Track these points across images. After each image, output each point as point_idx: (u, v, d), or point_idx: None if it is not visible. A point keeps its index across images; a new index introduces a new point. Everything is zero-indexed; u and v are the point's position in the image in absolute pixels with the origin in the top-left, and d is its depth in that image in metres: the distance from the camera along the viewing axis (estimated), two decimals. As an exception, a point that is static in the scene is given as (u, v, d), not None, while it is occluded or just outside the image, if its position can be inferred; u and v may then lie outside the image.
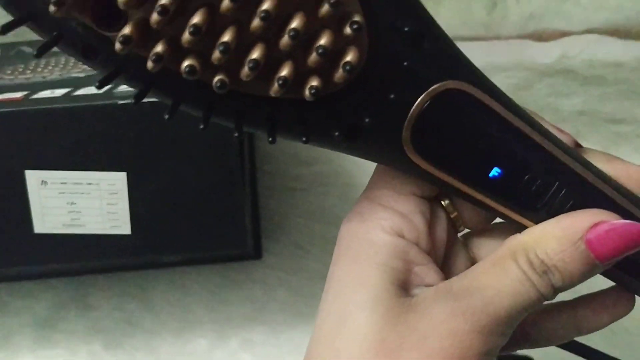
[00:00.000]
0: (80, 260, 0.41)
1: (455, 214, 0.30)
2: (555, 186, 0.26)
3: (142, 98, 0.21)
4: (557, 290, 0.26)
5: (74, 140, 0.38)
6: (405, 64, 0.23)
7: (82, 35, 0.21)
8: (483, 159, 0.25)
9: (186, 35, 0.20)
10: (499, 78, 0.56)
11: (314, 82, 0.22)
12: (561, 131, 0.28)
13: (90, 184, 0.39)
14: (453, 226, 0.30)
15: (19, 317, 0.55)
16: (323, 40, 0.21)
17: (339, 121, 0.23)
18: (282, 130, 0.23)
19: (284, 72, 0.21)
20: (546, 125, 0.27)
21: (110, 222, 0.40)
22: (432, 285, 0.27)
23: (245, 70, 0.21)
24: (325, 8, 0.21)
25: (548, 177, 0.26)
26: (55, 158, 0.38)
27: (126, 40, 0.20)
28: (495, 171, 0.25)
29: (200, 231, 0.40)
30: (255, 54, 0.21)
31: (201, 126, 0.22)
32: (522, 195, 0.26)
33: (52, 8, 0.19)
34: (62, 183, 0.39)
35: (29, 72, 0.43)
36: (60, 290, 0.55)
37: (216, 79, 0.21)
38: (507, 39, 0.55)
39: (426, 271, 0.28)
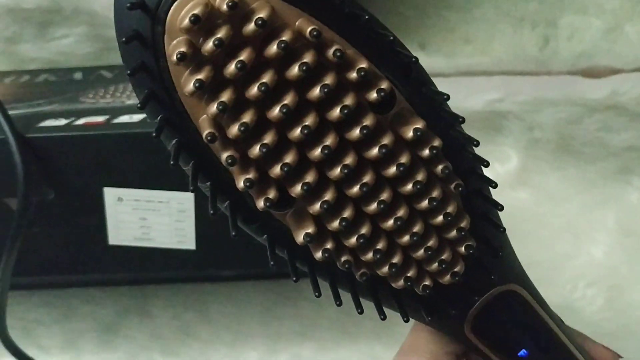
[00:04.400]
0: (147, 271, 0.45)
1: None
2: None
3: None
4: None
5: (150, 162, 0.41)
6: (486, 269, 0.29)
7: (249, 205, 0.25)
8: (519, 342, 0.31)
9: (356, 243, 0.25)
10: (549, 112, 0.57)
11: (427, 282, 0.28)
12: (606, 348, 0.34)
13: (161, 202, 0.42)
14: None
15: (84, 322, 0.58)
16: (445, 256, 0.27)
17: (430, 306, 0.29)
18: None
19: (410, 273, 0.27)
20: (589, 343, 0.34)
21: (177, 238, 0.43)
22: None
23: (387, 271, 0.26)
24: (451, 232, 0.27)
25: None
26: (132, 177, 0.42)
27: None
28: (523, 352, 0.31)
29: (258, 249, 0.43)
30: (396, 259, 0.26)
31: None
32: None
33: (259, 204, 0.23)
34: (135, 200, 0.42)
35: (109, 96, 0.47)
36: (123, 298, 0.59)
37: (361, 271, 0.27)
38: (557, 74, 0.57)
39: None
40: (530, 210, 0.60)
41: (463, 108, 0.59)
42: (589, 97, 0.55)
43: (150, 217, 0.43)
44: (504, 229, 0.29)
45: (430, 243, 0.26)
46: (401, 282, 0.27)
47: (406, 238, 0.25)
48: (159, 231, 0.43)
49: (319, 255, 0.25)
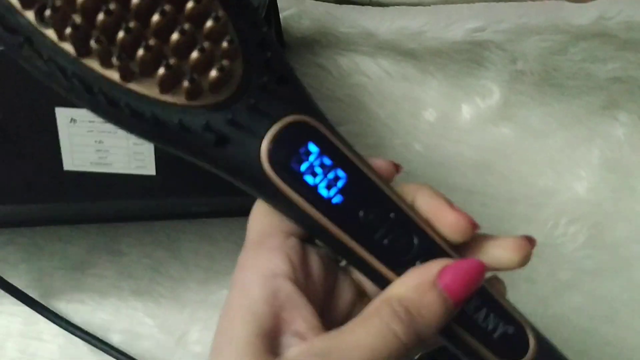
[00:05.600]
0: (107, 199, 0.43)
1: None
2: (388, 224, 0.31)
3: None
4: (419, 336, 0.28)
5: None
6: (270, 94, 0.29)
7: None
8: (325, 185, 0.30)
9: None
10: (533, 41, 0.55)
11: (186, 84, 0.28)
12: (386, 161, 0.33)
13: (117, 123, 0.40)
14: (334, 259, 0.33)
15: (53, 261, 0.57)
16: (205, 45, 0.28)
17: (211, 131, 0.29)
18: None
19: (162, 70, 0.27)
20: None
21: (136, 162, 0.41)
22: (300, 332, 0.29)
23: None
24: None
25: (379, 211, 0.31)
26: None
27: None
28: (337, 198, 0.30)
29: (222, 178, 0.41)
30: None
31: None
32: (366, 233, 0.31)
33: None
34: (90, 121, 0.40)
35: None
36: (92, 236, 0.57)
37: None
38: None
39: (296, 316, 0.29)
40: (512, 146, 0.58)
41: (443, 39, 0.57)
42: (574, 23, 0.53)
43: (106, 140, 0.41)
44: (267, 29, 0.30)
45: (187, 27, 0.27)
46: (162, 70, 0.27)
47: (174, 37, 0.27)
48: (116, 155, 0.41)
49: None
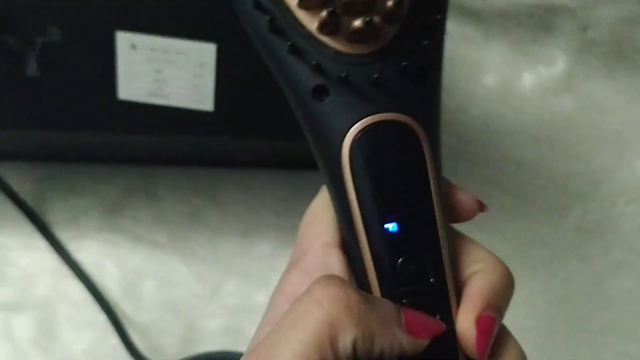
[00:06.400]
0: (159, 133, 0.41)
1: None
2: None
3: None
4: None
5: (170, 4, 0.37)
6: (398, 80, 0.26)
7: None
8: (387, 188, 0.26)
9: None
10: (607, 9, 0.52)
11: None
12: (470, 194, 0.29)
13: (179, 53, 0.38)
14: None
15: (89, 200, 0.55)
16: None
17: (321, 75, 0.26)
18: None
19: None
20: (453, 190, 0.28)
21: (194, 96, 0.39)
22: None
23: None
24: None
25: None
26: (148, 21, 0.37)
27: None
28: (393, 226, 0.26)
29: (284, 119, 0.39)
30: None
31: None
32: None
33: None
34: (151, 49, 0.38)
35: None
36: (130, 178, 0.56)
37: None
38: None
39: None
40: (573, 120, 0.56)
41: (513, 1, 0.54)
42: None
43: (165, 70, 0.38)
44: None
45: None
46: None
47: None
48: (174, 87, 0.39)
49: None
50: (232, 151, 0.48)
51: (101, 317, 0.53)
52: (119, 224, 0.55)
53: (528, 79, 0.56)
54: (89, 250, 0.54)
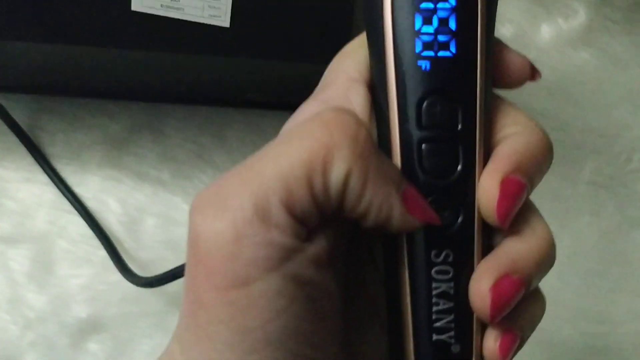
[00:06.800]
0: (172, 49, 0.39)
1: None
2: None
3: None
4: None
5: None
6: None
7: None
8: (428, 40, 0.24)
9: None
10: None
11: None
12: (521, 56, 0.26)
13: (196, -38, 0.37)
14: None
15: (92, 135, 0.54)
16: None
17: None
18: None
19: None
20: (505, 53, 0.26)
21: (210, 10, 0.38)
22: None
23: None
24: None
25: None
26: None
27: None
28: (425, 63, 0.24)
29: (302, 41, 0.38)
30: None
31: None
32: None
33: None
34: (168, -43, 0.37)
35: None
36: (136, 114, 0.54)
37: None
38: None
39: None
40: (590, 74, 0.55)
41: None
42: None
43: (182, -20, 0.37)
44: None
45: None
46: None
47: None
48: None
49: None
50: (242, 83, 0.46)
51: (100, 254, 0.52)
52: (122, 160, 0.53)
53: (546, 31, 0.55)
54: (90, 186, 0.53)
